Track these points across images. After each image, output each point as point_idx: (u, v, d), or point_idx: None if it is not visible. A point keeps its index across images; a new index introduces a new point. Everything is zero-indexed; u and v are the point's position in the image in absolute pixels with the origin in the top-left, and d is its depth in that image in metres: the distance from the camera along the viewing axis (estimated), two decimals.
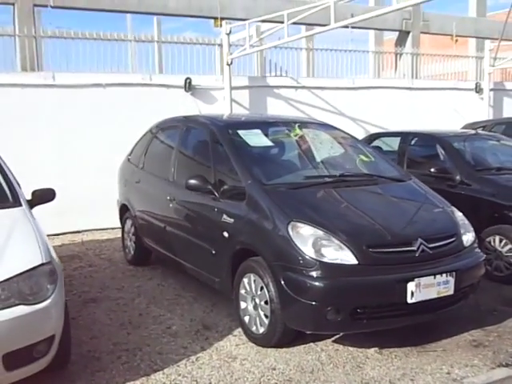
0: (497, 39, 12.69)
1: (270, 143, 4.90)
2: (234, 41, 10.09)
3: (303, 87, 10.21)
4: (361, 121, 10.67)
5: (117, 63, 8.92)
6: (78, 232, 8.47)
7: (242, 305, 4.28)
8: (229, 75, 9.20)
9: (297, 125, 5.25)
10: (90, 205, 8.27)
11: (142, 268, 6.40)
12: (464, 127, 9.91)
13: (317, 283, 3.62)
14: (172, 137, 5.84)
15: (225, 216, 4.37)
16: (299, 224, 3.83)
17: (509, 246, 5.61)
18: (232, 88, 9.29)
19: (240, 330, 4.41)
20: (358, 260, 3.66)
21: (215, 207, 4.53)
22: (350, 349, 4.04)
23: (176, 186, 5.31)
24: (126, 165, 6.70)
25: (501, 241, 5.68)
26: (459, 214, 4.46)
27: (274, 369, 3.76)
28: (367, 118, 10.67)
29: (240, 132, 4.90)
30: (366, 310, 3.71)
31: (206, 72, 9.74)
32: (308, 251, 3.69)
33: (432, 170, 6.34)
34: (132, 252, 6.53)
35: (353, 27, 11.21)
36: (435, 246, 3.92)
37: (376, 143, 7.82)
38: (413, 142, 7.23)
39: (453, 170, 6.29)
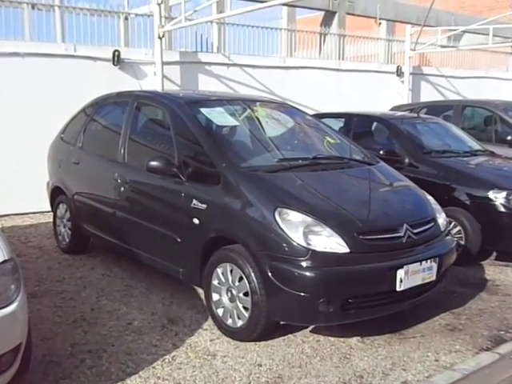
0: (414, 24, 13.10)
1: (235, 123, 4.59)
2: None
3: (235, 65, 9.88)
4: (291, 101, 10.49)
5: (36, 32, 8.07)
6: None
7: (215, 296, 3.99)
8: (160, 49, 8.66)
9: (257, 103, 4.98)
10: (8, 187, 7.49)
11: (80, 256, 5.87)
12: (392, 109, 10.12)
13: (308, 273, 3.41)
14: (118, 114, 5.32)
15: (195, 201, 4.02)
16: (287, 210, 3.59)
17: (457, 228, 5.75)
18: (163, 63, 8.76)
19: (210, 323, 4.12)
20: (349, 248, 3.50)
21: (182, 192, 4.16)
22: (331, 339, 3.90)
23: (128, 168, 4.85)
24: (60, 144, 6.07)
25: (450, 223, 5.79)
26: (431, 197, 4.44)
27: (260, 365, 3.52)
28: (297, 97, 10.50)
29: (203, 110, 4.54)
30: (356, 300, 3.56)
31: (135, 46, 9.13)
32: (298, 239, 3.47)
33: (381, 152, 6.31)
34: (67, 239, 5.96)
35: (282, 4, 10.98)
36: (419, 232, 3.86)
37: None
38: (357, 124, 7.21)
39: (401, 153, 6.33)
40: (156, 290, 4.86)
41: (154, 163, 4.19)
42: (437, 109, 9.77)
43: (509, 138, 8.13)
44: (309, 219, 3.55)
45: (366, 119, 7.26)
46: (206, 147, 4.11)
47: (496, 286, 5.16)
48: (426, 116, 7.89)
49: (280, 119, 4.91)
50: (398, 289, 3.61)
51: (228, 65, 9.81)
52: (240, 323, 3.79)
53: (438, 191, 5.95)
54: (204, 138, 4.17)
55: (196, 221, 4.02)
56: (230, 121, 4.56)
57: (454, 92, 13.63)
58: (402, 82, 12.57)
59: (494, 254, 6.10)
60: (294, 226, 3.52)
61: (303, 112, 5.36)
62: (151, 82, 8.74)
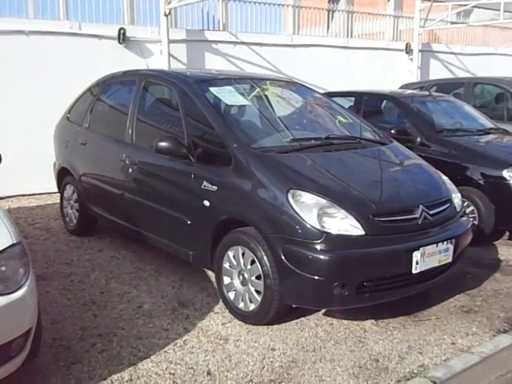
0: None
1: (246, 102, 4.47)
2: None
3: (242, 43, 9.70)
4: (298, 79, 10.32)
5: (41, 9, 7.91)
6: (1, 198, 7.59)
7: (226, 280, 3.92)
8: (166, 27, 8.49)
9: (268, 82, 4.85)
10: (14, 168, 7.39)
11: (88, 238, 5.82)
12: (401, 87, 9.94)
13: (322, 256, 3.33)
14: (125, 94, 5.22)
15: (205, 183, 3.93)
16: (300, 192, 3.49)
17: (471, 208, 5.64)
18: (169, 41, 8.61)
19: (221, 306, 4.06)
20: (364, 230, 3.41)
21: (192, 173, 4.06)
22: (345, 322, 3.84)
23: (136, 149, 4.76)
24: (66, 124, 5.97)
25: (463, 202, 5.69)
26: (446, 178, 4.34)
27: (274, 349, 3.47)
28: (304, 76, 10.30)
29: (212, 89, 4.42)
30: (372, 284, 3.49)
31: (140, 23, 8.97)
32: (312, 221, 3.38)
33: (392, 131, 6.17)
34: (75, 221, 5.90)
35: None
36: (435, 213, 3.76)
37: None
38: (367, 103, 7.07)
39: (413, 132, 6.20)
40: (165, 273, 4.80)
41: (162, 144, 4.09)
42: (447, 86, 9.58)
43: None
44: (323, 201, 3.45)
45: (376, 98, 7.11)
46: (216, 127, 4.00)
47: (510, 266, 5.09)
48: (437, 94, 7.72)
49: (290, 98, 4.80)
50: (413, 271, 3.53)
51: (235, 43, 9.64)
52: (252, 307, 3.73)
53: (450, 170, 5.82)
54: (214, 117, 4.07)
55: (206, 203, 3.93)
56: (240, 100, 4.45)
57: (464, 69, 13.39)
58: (411, 59, 12.35)
59: (507, 233, 6.00)
60: (308, 207, 3.42)
61: (314, 91, 5.24)
62: (157, 61, 8.59)
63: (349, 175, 3.80)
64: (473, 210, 5.63)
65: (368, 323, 3.82)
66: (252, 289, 3.72)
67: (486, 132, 6.49)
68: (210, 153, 4.04)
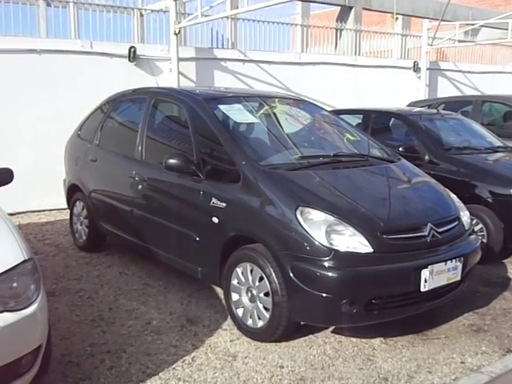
0: (431, 18, 12.93)
1: (255, 119, 4.52)
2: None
3: (250, 61, 9.80)
4: (306, 97, 10.38)
5: (53, 29, 8.06)
6: (12, 215, 7.62)
7: (234, 296, 3.93)
8: (176, 45, 8.60)
9: (276, 100, 4.90)
10: (24, 184, 7.45)
11: (97, 254, 5.84)
12: (409, 105, 9.98)
13: (331, 274, 3.34)
14: (135, 111, 5.28)
15: (214, 200, 3.97)
16: (308, 209, 3.51)
17: (479, 226, 5.63)
18: (179, 59, 8.71)
19: (229, 323, 4.06)
20: (373, 248, 3.42)
21: (200, 190, 4.10)
22: (353, 340, 3.83)
23: (145, 166, 4.80)
24: (76, 141, 6.04)
25: (472, 220, 5.67)
26: (454, 196, 4.34)
27: (282, 366, 3.46)
28: (312, 93, 10.39)
29: (221, 107, 4.48)
30: (380, 301, 3.49)
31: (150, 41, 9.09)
32: (320, 239, 3.39)
33: (400, 149, 6.18)
34: (84, 237, 5.93)
35: None
36: (443, 231, 3.77)
37: None
38: (375, 120, 7.10)
39: (421, 150, 6.22)
40: (174, 289, 4.81)
41: (172, 161, 4.13)
42: (455, 104, 9.62)
43: None
44: (331, 218, 3.47)
45: (384, 115, 7.14)
46: (225, 144, 4.05)
47: None
48: (445, 112, 7.75)
49: (299, 116, 4.84)
50: (422, 289, 3.53)
51: (244, 61, 9.73)
52: (260, 324, 3.73)
53: (459, 188, 5.83)
54: (223, 135, 4.11)
55: (215, 219, 3.96)
56: (249, 118, 4.50)
57: (472, 87, 13.43)
58: (419, 77, 12.40)
59: None
60: (317, 225, 3.44)
61: (322, 108, 5.28)
62: (167, 79, 8.69)
63: (357, 192, 3.82)
64: (481, 228, 5.61)
65: (377, 341, 3.81)
66: (260, 305, 3.72)
67: (494, 150, 6.49)
68: (218, 170, 4.08)
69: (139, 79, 8.18)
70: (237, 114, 4.45)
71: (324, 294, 3.36)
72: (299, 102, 5.21)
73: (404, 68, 12.29)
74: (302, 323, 3.71)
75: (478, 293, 4.80)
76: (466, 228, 4.07)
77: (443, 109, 9.54)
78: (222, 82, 9.26)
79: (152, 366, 3.48)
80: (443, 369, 3.44)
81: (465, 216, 4.16)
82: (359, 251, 3.40)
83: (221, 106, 4.49)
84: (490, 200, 5.62)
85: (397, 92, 11.67)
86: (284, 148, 4.30)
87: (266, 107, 4.77)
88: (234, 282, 3.91)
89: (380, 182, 4.15)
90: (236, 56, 9.65)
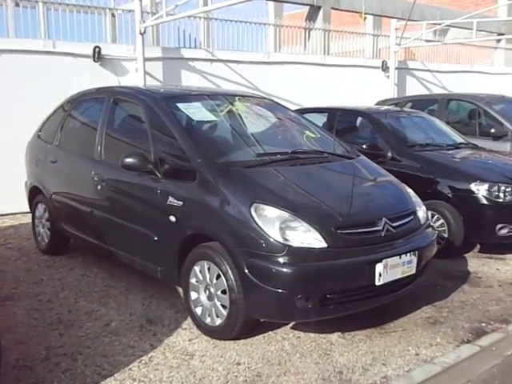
0: (400, 18, 13.07)
1: (213, 118, 4.51)
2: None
3: (219, 60, 9.79)
4: (275, 96, 10.38)
5: (22, 29, 7.95)
6: None
7: (193, 295, 3.91)
8: (142, 45, 8.55)
9: (237, 98, 4.90)
10: None
11: (60, 258, 5.76)
12: (377, 104, 10.09)
13: (285, 269, 3.35)
14: (95, 111, 5.22)
15: (171, 198, 3.95)
16: (263, 206, 3.52)
17: (441, 221, 5.71)
18: (145, 59, 8.65)
19: (189, 322, 4.04)
20: (327, 243, 3.44)
21: (158, 189, 4.08)
22: (312, 335, 3.84)
23: (104, 166, 4.76)
24: (37, 142, 5.96)
25: (433, 216, 5.77)
26: (411, 190, 4.40)
27: (239, 363, 3.46)
28: (281, 93, 10.44)
29: (180, 105, 4.46)
30: (335, 296, 3.51)
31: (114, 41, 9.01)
32: (275, 235, 3.40)
33: (364, 146, 6.27)
34: (46, 240, 5.85)
35: None
36: (398, 225, 3.81)
37: None
38: (340, 119, 7.15)
39: (384, 147, 6.29)
40: (136, 290, 4.77)
41: (128, 160, 4.10)
42: (422, 103, 9.74)
43: (492, 130, 8.12)
44: (285, 214, 3.48)
45: (349, 113, 7.21)
46: (181, 142, 4.03)
47: (478, 278, 5.14)
48: (409, 110, 7.87)
49: (260, 114, 4.85)
50: (377, 283, 3.56)
51: (211, 60, 9.71)
52: (218, 322, 3.72)
53: (420, 184, 5.94)
54: (179, 132, 4.10)
55: (172, 218, 3.94)
56: (208, 116, 4.49)
57: (440, 86, 13.61)
58: (388, 76, 12.53)
59: (478, 246, 6.07)
60: (271, 221, 3.45)
61: (284, 106, 5.29)
62: (133, 79, 8.62)
63: (312, 188, 3.84)
64: (442, 223, 5.70)
65: (335, 336, 3.83)
66: (218, 303, 3.71)
67: (456, 147, 6.60)
68: (175, 168, 4.06)
69: (104, 79, 8.09)
70: (195, 112, 4.44)
71: (279, 290, 3.37)
72: (260, 101, 5.21)
73: (373, 67, 12.40)
74: (261, 320, 3.71)
75: (437, 286, 4.86)
76: (422, 222, 4.11)
77: (410, 107, 9.67)
78: (190, 81, 9.23)
79: (108, 367, 3.44)
80: (398, 361, 3.47)
81: (421, 211, 4.21)
82: (313, 247, 3.42)
83: (179, 105, 4.47)
84: (450, 195, 5.71)
85: (366, 91, 11.76)
86: (243, 145, 4.30)
87: (227, 105, 4.76)
88: (193, 280, 3.89)
89: (337, 177, 4.18)
90: (204, 56, 9.63)
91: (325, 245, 3.43)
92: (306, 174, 4.03)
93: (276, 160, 4.10)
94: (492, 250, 5.90)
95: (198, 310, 3.88)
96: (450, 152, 6.36)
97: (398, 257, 3.65)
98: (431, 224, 5.68)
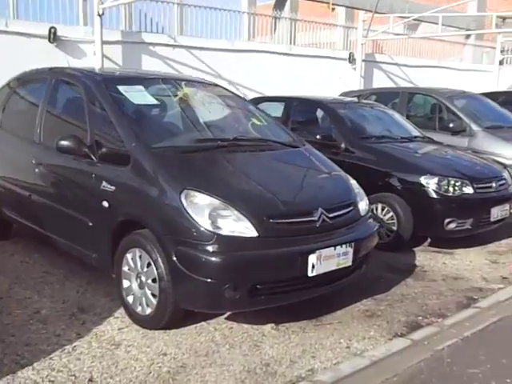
0: (368, 10, 13.06)
1: (154, 101, 4.37)
2: None
3: (181, 46, 9.62)
4: (239, 84, 10.35)
5: None
6: None
7: (125, 283, 3.80)
8: (100, 28, 8.33)
9: (183, 83, 4.77)
10: None
11: (2, 243, 5.57)
12: (340, 95, 10.03)
13: (214, 258, 3.26)
14: (37, 91, 5.03)
15: (104, 183, 3.82)
16: (194, 192, 3.42)
17: (390, 214, 5.69)
18: (103, 42, 8.44)
19: (122, 311, 3.93)
20: (258, 232, 3.36)
21: (92, 173, 3.95)
22: (245, 326, 3.76)
23: (43, 149, 4.59)
24: None
25: (383, 208, 5.75)
26: (354, 182, 4.34)
27: (165, 354, 3.37)
28: (246, 81, 10.38)
29: (120, 88, 4.31)
30: (266, 286, 3.43)
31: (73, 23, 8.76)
32: (204, 223, 3.31)
33: (318, 136, 6.22)
34: None
35: None
36: (335, 216, 3.74)
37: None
38: (297, 108, 7.08)
39: (338, 138, 6.23)
40: (74, 278, 4.63)
41: (63, 142, 3.96)
42: (385, 96, 9.72)
43: (451, 125, 8.14)
44: (216, 202, 3.39)
45: (305, 103, 7.12)
46: (117, 125, 3.89)
47: (424, 271, 5.13)
48: (367, 102, 7.83)
49: (206, 100, 4.72)
50: (309, 274, 3.49)
51: (174, 46, 9.55)
52: (149, 311, 3.62)
53: (372, 176, 5.94)
54: (116, 115, 3.96)
55: (105, 204, 3.82)
56: (149, 99, 4.35)
57: (407, 80, 13.67)
58: (354, 68, 12.51)
59: (429, 240, 6.07)
60: (201, 208, 3.35)
61: (233, 93, 5.18)
62: (91, 62, 8.40)
63: (249, 176, 3.76)
64: (392, 216, 5.67)
65: (268, 327, 3.76)
66: (148, 292, 3.61)
67: (411, 140, 6.57)
68: (110, 152, 3.92)
69: (61, 61, 7.85)
70: (136, 95, 4.30)
71: (206, 279, 3.28)
72: (208, 86, 5.08)
73: (340, 59, 12.38)
74: (196, 310, 3.62)
75: (382, 279, 4.83)
76: (362, 214, 4.06)
77: (375, 100, 9.66)
78: (151, 67, 9.04)
79: (28, 356, 3.31)
80: (327, 354, 3.42)
81: (362, 203, 4.15)
82: (244, 236, 3.34)
83: (120, 87, 4.32)
84: (400, 188, 5.69)
85: (333, 82, 11.72)
86: (182, 131, 4.20)
87: (172, 90, 4.63)
88: (125, 268, 3.78)
89: (276, 166, 4.10)
90: (165, 41, 9.46)
91: (255, 234, 3.35)
92: (244, 161, 3.94)
93: (215, 146, 3.99)
94: (442, 244, 5.89)
95: (130, 299, 3.78)
96: (404, 145, 6.33)
97: (332, 248, 3.59)
98: (381, 217, 5.71)
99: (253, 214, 3.39)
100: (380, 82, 12.87)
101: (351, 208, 3.96)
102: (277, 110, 7.15)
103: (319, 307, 4.06)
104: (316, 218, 3.60)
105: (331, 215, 3.70)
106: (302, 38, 12.74)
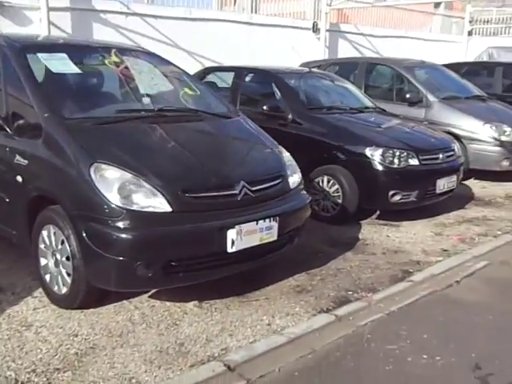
0: None
1: (77, 70, 4.12)
2: None
3: (135, 14, 9.25)
4: (197, 54, 10.03)
5: None
6: None
7: (43, 261, 3.64)
8: None
9: (113, 51, 4.52)
10: None
11: None
12: (301, 65, 9.82)
13: (124, 235, 3.10)
14: None
15: (18, 157, 3.62)
16: (104, 166, 3.24)
17: (336, 187, 5.58)
18: (50, 9, 8.05)
19: (42, 290, 3.77)
20: (172, 207, 3.20)
21: (7, 146, 3.73)
22: (168, 304, 3.64)
23: None
24: None
25: (329, 181, 5.64)
26: (287, 155, 4.19)
27: (76, 335, 3.23)
28: (204, 51, 10.05)
29: (40, 55, 4.05)
30: (182, 263, 3.30)
31: None
32: (113, 198, 3.14)
33: (264, 107, 6.06)
34: None
35: None
36: (259, 189, 3.60)
37: (210, 78, 7.36)
38: (247, 78, 6.88)
39: (285, 109, 6.06)
40: (1, 255, 4.44)
41: None
42: (345, 66, 9.57)
43: (408, 96, 8.03)
44: (128, 176, 3.22)
45: (255, 73, 6.91)
46: (30, 95, 3.66)
47: (365, 245, 5.04)
48: (320, 72, 7.64)
49: (134, 68, 4.48)
50: (229, 250, 3.36)
51: (126, 14, 9.16)
52: (64, 290, 3.47)
53: (318, 148, 5.82)
54: (29, 84, 3.71)
55: (19, 178, 3.62)
56: (71, 68, 4.09)
57: (373, 51, 13.44)
58: (318, 38, 12.25)
59: (378, 213, 5.98)
60: (110, 183, 3.18)
61: (167, 61, 4.93)
62: (37, 30, 8.03)
63: (168, 149, 3.59)
64: (337, 189, 5.56)
65: (191, 305, 3.63)
66: (63, 271, 3.45)
67: (361, 111, 6.42)
68: (25, 124, 3.69)
69: (4, 29, 7.50)
70: (57, 63, 4.05)
71: (117, 257, 3.13)
72: (140, 54, 4.82)
73: (304, 29, 12.07)
74: (109, 289, 3.47)
75: (320, 253, 4.73)
76: (292, 187, 3.92)
77: (337, 71, 9.48)
78: (102, 36, 8.68)
79: None
80: (246, 331, 3.31)
81: (294, 176, 4.01)
82: (156, 211, 3.18)
83: (40, 54, 4.06)
84: (346, 160, 5.57)
85: (295, 53, 11.46)
86: (103, 101, 3.99)
87: (100, 58, 4.40)
88: (42, 245, 3.61)
89: (201, 138, 3.92)
90: (118, 8, 9.06)
91: (169, 209, 3.19)
92: (167, 133, 3.74)
93: (136, 117, 3.80)
94: (389, 217, 5.82)
95: (47, 278, 3.62)
96: (353, 116, 6.18)
97: (254, 223, 3.45)
98: (327, 189, 5.60)
99: (167, 188, 3.23)
100: (345, 52, 12.61)
101: (279, 181, 3.81)
102: (229, 80, 6.96)
103: (249, 283, 3.95)
104: (237, 192, 3.45)
105: (254, 188, 3.55)
106: (269, 7, 12.42)
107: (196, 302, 3.66)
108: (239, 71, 6.86)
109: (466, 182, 7.71)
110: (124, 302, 3.65)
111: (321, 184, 5.66)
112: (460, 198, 6.74)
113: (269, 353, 3.04)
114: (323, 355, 3.03)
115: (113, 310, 3.55)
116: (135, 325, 3.37)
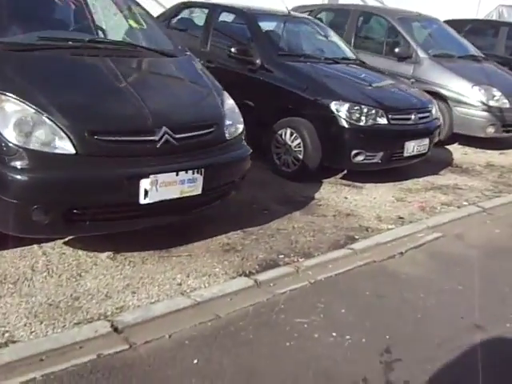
0: None
1: None
2: None
3: None
4: None
5: None
6: None
7: None
8: None
9: None
10: None
11: None
12: (293, 9, 9.25)
13: (18, 176, 2.81)
14: None
15: None
16: (3, 97, 2.89)
17: (298, 141, 5.23)
18: None
19: None
20: (76, 149, 2.89)
21: None
22: (80, 253, 3.38)
23: None
24: None
25: (292, 134, 5.28)
26: (229, 102, 3.83)
27: None
28: None
29: None
30: (87, 211, 3.01)
31: None
32: (8, 134, 2.82)
33: (232, 49, 5.64)
34: None
35: None
36: (184, 137, 3.27)
37: (185, 14, 6.89)
38: (221, 17, 6.40)
39: (254, 53, 5.64)
40: None
41: None
42: (338, 14, 9.04)
43: (397, 50, 7.54)
44: (30, 110, 2.88)
45: (229, 11, 6.41)
46: None
47: (318, 205, 4.74)
48: (301, 15, 7.13)
49: None
50: (141, 201, 3.06)
51: None
52: None
53: (284, 98, 5.44)
54: None
55: None
56: None
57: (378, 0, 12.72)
58: None
59: (344, 172, 5.64)
60: (7, 116, 2.85)
61: None
62: None
63: (85, 85, 3.23)
64: (299, 144, 5.21)
65: (104, 256, 3.37)
66: None
67: (337, 62, 5.97)
68: None
69: None
70: None
71: (12, 200, 2.84)
72: None
73: None
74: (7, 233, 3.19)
75: (266, 210, 4.45)
76: (228, 138, 3.59)
77: (332, 18, 8.95)
78: None
79: None
80: (152, 290, 3.06)
81: (234, 125, 3.67)
82: (57, 152, 2.87)
83: None
84: (310, 113, 5.20)
85: None
86: (30, 25, 3.57)
87: None
88: None
89: (130, 75, 3.52)
90: None
91: (73, 151, 2.88)
92: (91, 68, 3.38)
93: (58, 46, 3.42)
94: (355, 178, 5.49)
95: None
96: (327, 66, 5.76)
97: (174, 173, 3.14)
98: (289, 143, 5.26)
99: (71, 127, 2.90)
100: None
101: (212, 130, 3.47)
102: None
103: (177, 238, 3.68)
104: (157, 138, 3.12)
105: (179, 136, 3.22)
106: None
107: (111, 253, 3.40)
108: (213, 8, 6.38)
109: (448, 147, 7.37)
110: (34, 246, 3.39)
111: (283, 137, 5.31)
112: (436, 163, 6.41)
113: (166, 316, 2.80)
114: (224, 324, 2.78)
115: (19, 254, 3.30)
116: (35, 272, 3.12)
